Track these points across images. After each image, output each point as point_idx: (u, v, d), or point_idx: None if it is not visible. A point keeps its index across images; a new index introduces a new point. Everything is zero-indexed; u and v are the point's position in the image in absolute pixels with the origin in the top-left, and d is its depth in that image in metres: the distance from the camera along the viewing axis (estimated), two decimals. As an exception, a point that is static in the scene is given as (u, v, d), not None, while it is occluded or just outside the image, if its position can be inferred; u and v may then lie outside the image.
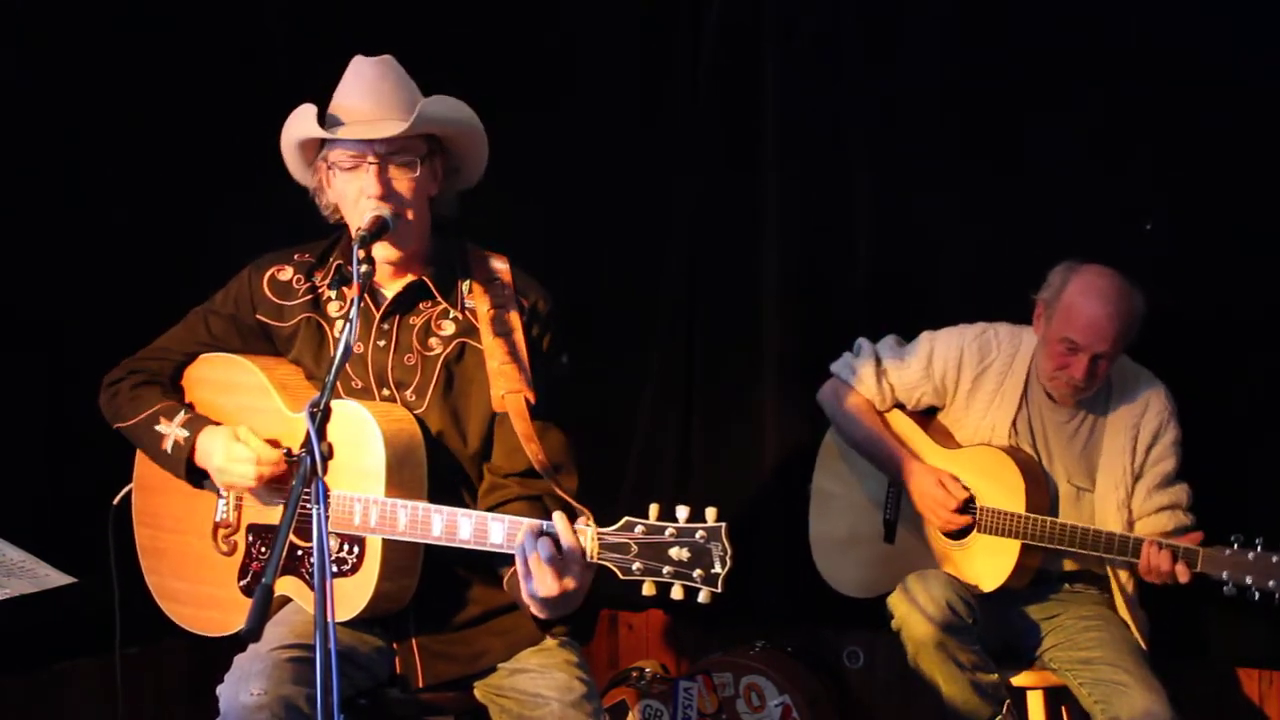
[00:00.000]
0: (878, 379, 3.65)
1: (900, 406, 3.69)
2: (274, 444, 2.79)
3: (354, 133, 2.69)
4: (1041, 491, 3.46)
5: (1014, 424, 3.52)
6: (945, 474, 3.51)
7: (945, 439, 3.63)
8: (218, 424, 2.84)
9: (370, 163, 2.69)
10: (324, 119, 2.74)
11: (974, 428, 3.57)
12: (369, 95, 2.73)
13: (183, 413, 2.86)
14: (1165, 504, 3.43)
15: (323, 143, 2.76)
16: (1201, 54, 3.69)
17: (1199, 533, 3.31)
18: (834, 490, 3.79)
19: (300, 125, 2.75)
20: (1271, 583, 3.14)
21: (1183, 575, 3.22)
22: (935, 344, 3.61)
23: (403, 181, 2.72)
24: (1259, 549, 3.16)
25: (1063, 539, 3.35)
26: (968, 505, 3.49)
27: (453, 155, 2.82)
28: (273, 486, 2.78)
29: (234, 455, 2.76)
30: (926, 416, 3.69)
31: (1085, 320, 3.34)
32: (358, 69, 2.77)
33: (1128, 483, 3.44)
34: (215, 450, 2.79)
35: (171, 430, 2.85)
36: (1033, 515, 3.39)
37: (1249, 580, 3.16)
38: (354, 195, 2.72)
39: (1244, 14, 3.64)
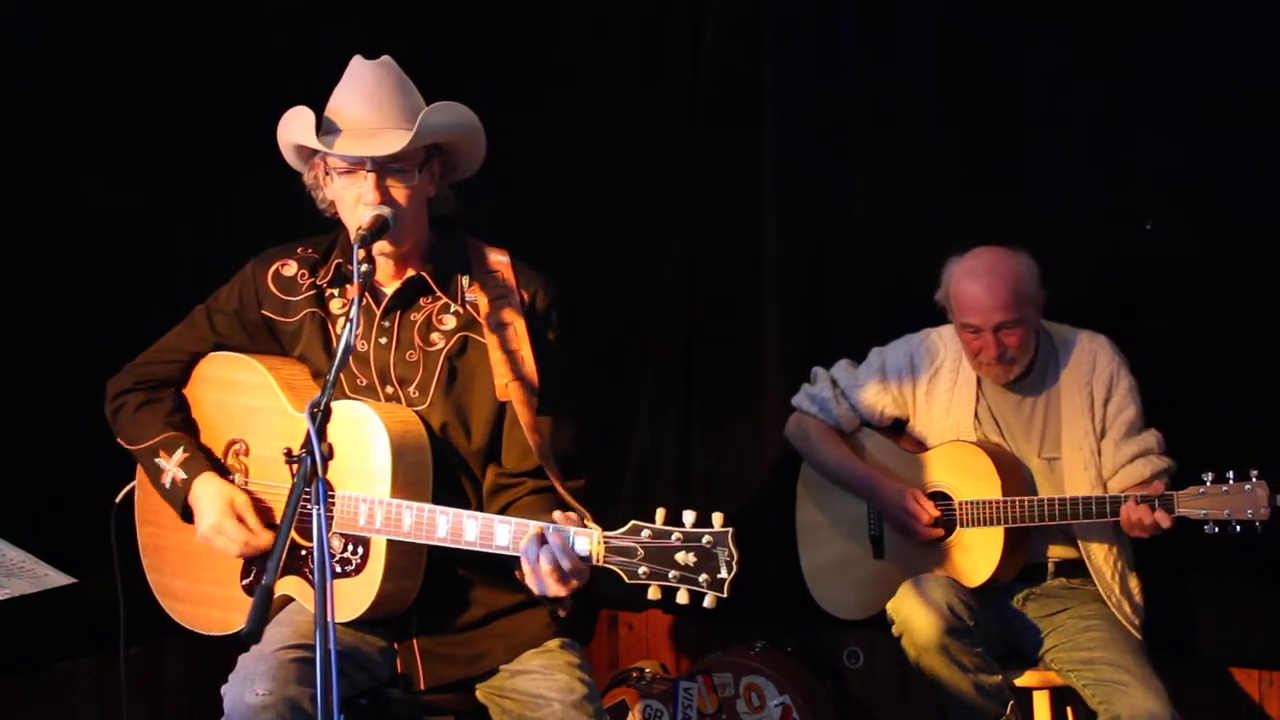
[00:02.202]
0: (838, 402, 3.71)
1: (867, 424, 3.72)
2: (268, 512, 2.83)
3: (352, 147, 2.69)
4: (1015, 476, 3.49)
5: (975, 416, 3.56)
6: (914, 490, 3.55)
7: (916, 446, 3.67)
8: (213, 468, 2.87)
9: (368, 172, 2.69)
10: (321, 121, 2.73)
11: (939, 429, 3.61)
12: (368, 103, 2.72)
13: (181, 449, 2.87)
14: (1136, 452, 3.46)
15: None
16: (1201, 54, 3.69)
17: (1160, 483, 3.34)
18: (817, 521, 3.80)
19: (297, 131, 2.74)
20: (1249, 511, 3.17)
21: (1164, 521, 3.24)
22: (885, 356, 3.69)
23: (400, 189, 2.72)
24: (1231, 482, 3.19)
25: (1041, 514, 3.37)
26: (945, 513, 3.52)
27: (450, 155, 2.82)
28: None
29: (224, 530, 2.81)
30: (895, 430, 3.73)
31: (969, 301, 3.44)
32: (357, 73, 2.76)
33: (1091, 442, 3.47)
34: (205, 514, 2.82)
35: (170, 468, 2.87)
36: (1009, 498, 3.41)
37: (1227, 513, 3.19)
38: (351, 200, 2.72)
39: (1244, 14, 3.65)
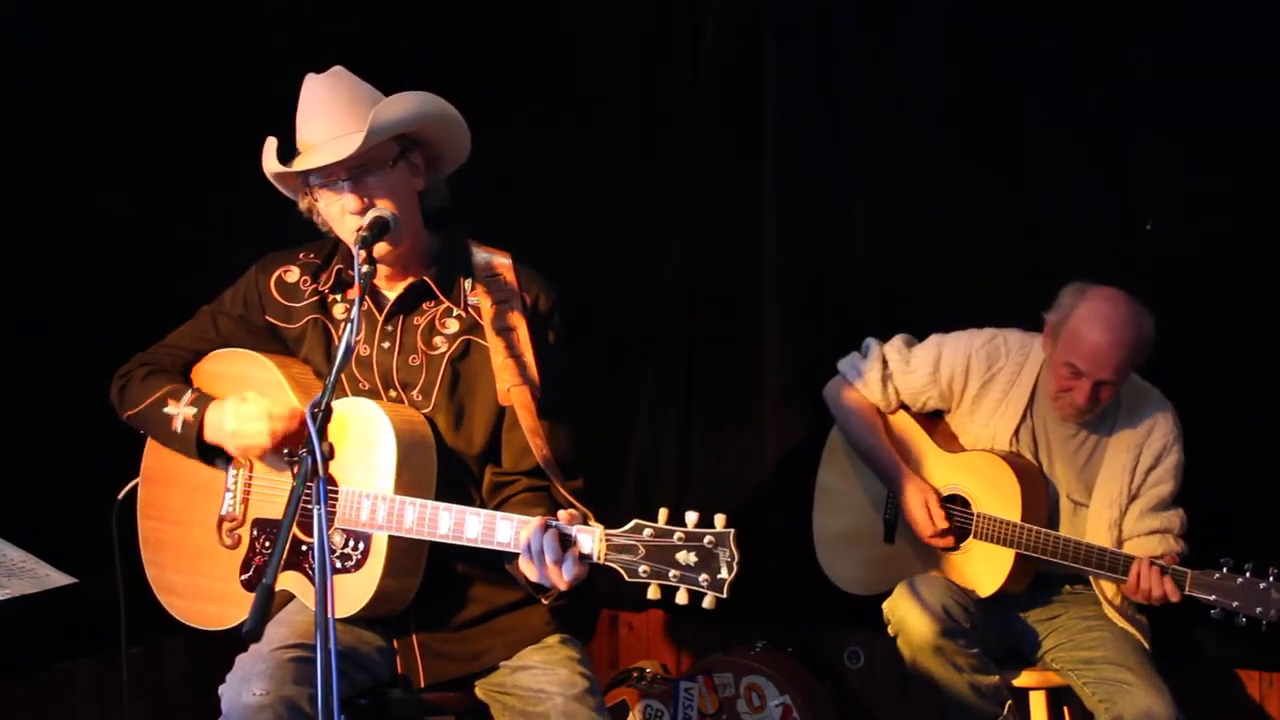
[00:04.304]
0: (883, 383, 3.64)
1: (905, 408, 3.69)
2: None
3: (309, 161, 2.69)
4: (1039, 501, 3.46)
5: (1016, 434, 3.51)
6: (933, 496, 3.52)
7: (949, 441, 3.63)
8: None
9: (343, 180, 2.68)
10: (294, 145, 2.73)
11: (976, 434, 3.57)
12: (322, 116, 2.71)
13: (190, 392, 2.87)
14: (1157, 527, 3.41)
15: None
16: (1200, 54, 3.69)
17: (1169, 557, 3.30)
18: (837, 487, 3.79)
19: (264, 160, 2.76)
20: (1259, 609, 3.12)
21: (1173, 594, 3.20)
22: (944, 348, 3.59)
23: (380, 189, 2.69)
24: (1247, 575, 3.13)
25: (1055, 551, 3.34)
26: (961, 519, 3.51)
27: (430, 145, 2.80)
28: (287, 448, 2.77)
29: (244, 415, 2.78)
30: (932, 418, 3.69)
31: (1089, 347, 3.31)
32: (309, 90, 2.75)
33: (1122, 503, 3.42)
34: (225, 416, 2.80)
35: (179, 410, 2.85)
36: (1026, 525, 3.38)
37: (1235, 605, 3.14)
38: (337, 213, 2.72)
39: (1244, 14, 3.65)
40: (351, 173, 2.67)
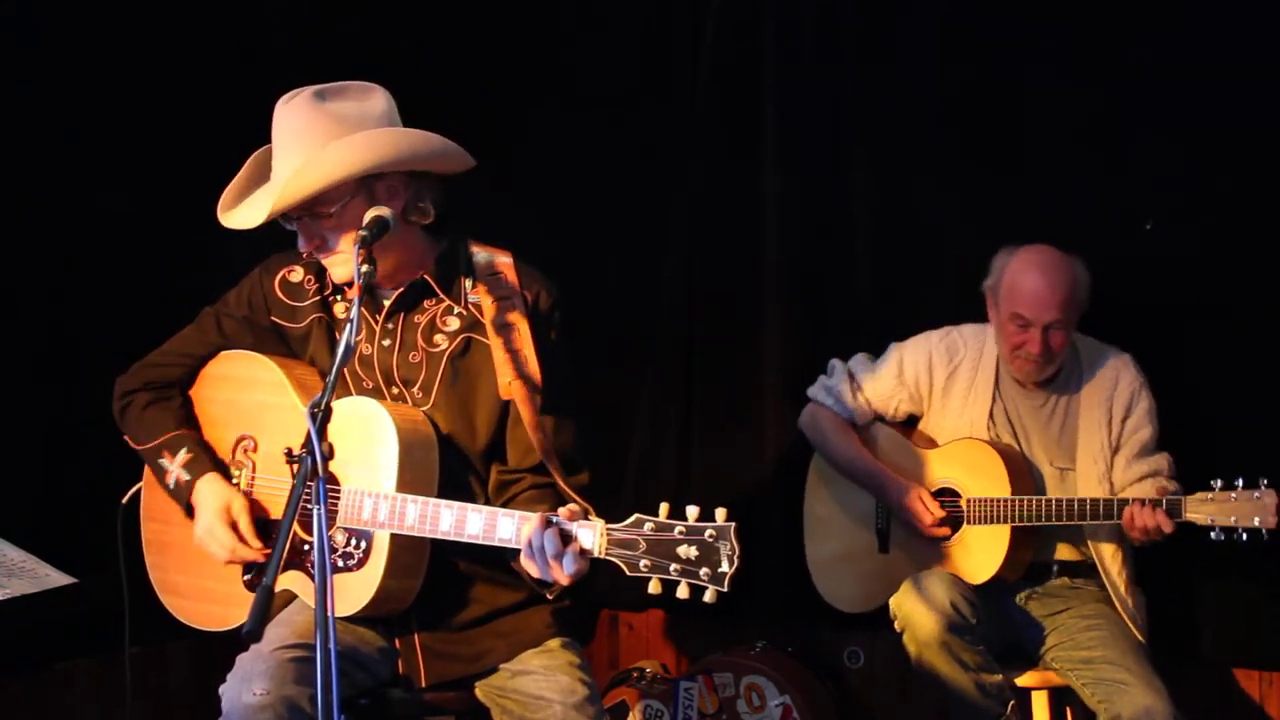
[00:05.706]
0: (854, 395, 3.71)
1: (881, 419, 3.72)
2: (267, 515, 2.84)
3: (231, 219, 2.75)
4: (1025, 477, 3.50)
5: (990, 417, 3.57)
6: (923, 490, 3.55)
7: (928, 443, 3.67)
8: (217, 468, 2.88)
9: (296, 219, 2.68)
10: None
11: (953, 427, 3.61)
12: (277, 154, 2.71)
13: (184, 450, 2.88)
14: (1146, 472, 3.46)
15: None
16: (1200, 54, 3.70)
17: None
18: (825, 512, 3.82)
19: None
20: (1256, 519, 3.16)
21: (1166, 525, 3.24)
22: (904, 352, 3.68)
23: (332, 231, 2.68)
24: (1239, 488, 3.18)
25: (1048, 514, 3.38)
26: (952, 509, 3.52)
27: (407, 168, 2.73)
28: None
29: (215, 535, 2.82)
30: (908, 426, 3.73)
31: (1028, 293, 3.42)
32: (275, 121, 2.71)
33: (1106, 456, 3.48)
34: (202, 515, 2.84)
35: (174, 469, 2.88)
36: (1016, 497, 3.42)
37: (1233, 520, 3.18)
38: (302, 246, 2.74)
39: (1244, 14, 3.65)
40: (296, 213, 2.66)
